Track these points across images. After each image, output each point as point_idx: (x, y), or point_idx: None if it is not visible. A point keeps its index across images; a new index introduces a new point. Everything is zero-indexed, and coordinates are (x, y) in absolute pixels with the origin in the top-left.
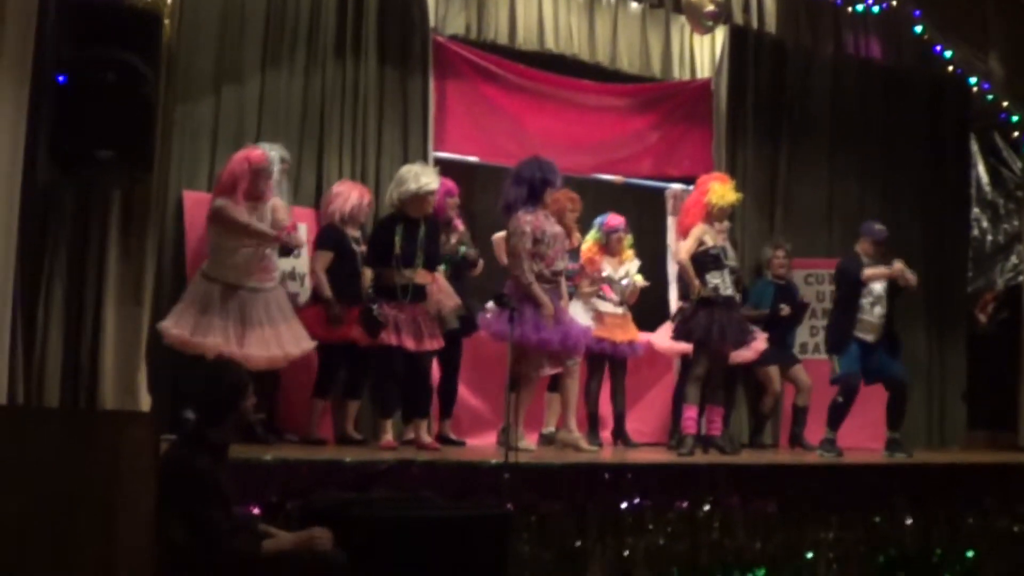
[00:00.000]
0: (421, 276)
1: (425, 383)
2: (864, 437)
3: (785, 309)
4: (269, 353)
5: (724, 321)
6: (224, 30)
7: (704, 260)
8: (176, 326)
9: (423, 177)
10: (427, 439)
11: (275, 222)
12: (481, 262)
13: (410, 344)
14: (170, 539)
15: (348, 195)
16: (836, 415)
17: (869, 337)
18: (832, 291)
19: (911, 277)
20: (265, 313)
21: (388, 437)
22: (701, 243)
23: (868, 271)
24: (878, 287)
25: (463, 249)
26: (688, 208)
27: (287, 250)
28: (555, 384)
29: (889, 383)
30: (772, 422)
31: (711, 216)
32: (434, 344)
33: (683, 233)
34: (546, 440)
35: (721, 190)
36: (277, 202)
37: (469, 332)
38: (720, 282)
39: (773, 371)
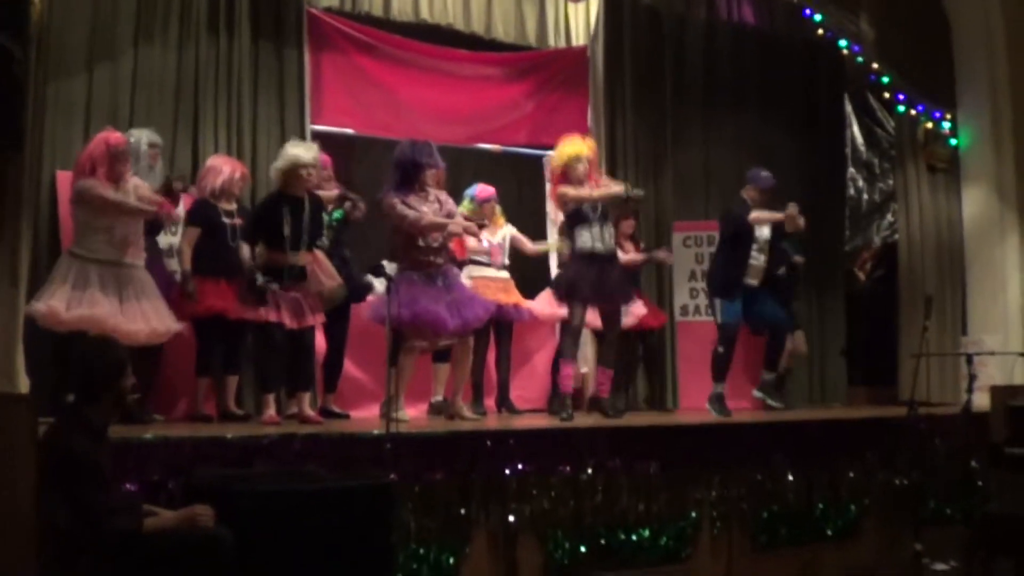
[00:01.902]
0: (303, 258)
1: (308, 356)
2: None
3: (798, 259)
4: (150, 327)
5: (597, 276)
6: (96, 7)
7: (573, 217)
8: (47, 305)
9: (293, 150)
10: (310, 412)
11: (141, 199)
12: (363, 205)
13: (289, 321)
14: (51, 521)
15: (220, 169)
16: (718, 366)
17: (753, 282)
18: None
19: (800, 222)
20: (141, 289)
21: (270, 412)
22: (565, 202)
23: (755, 214)
24: (765, 233)
25: (337, 214)
26: (552, 179)
27: (156, 227)
28: (442, 355)
29: (771, 327)
30: None
31: (568, 177)
32: (315, 320)
33: (555, 202)
34: (435, 409)
35: (559, 150)
36: (137, 181)
37: (357, 300)
38: (589, 236)
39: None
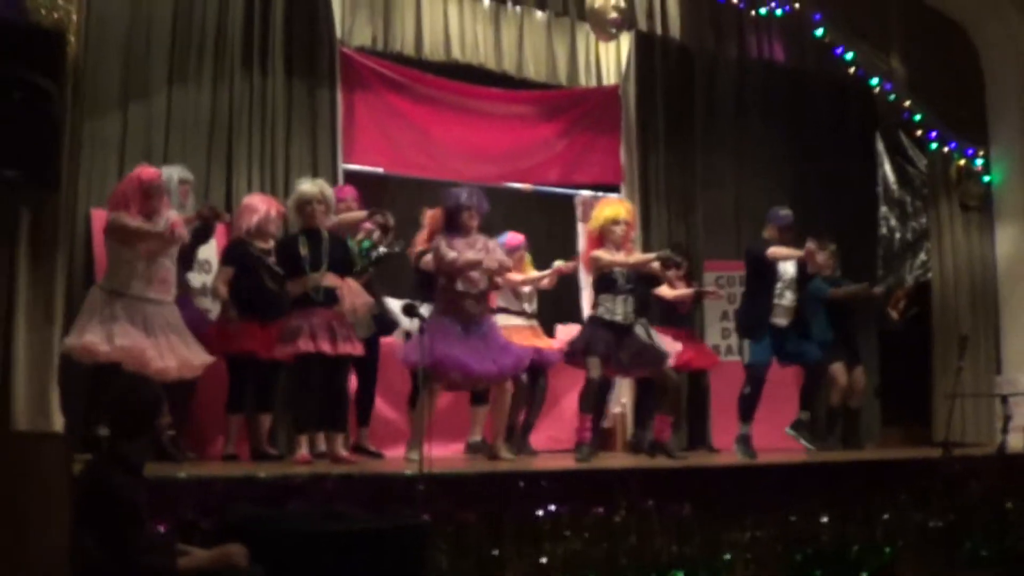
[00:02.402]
0: (330, 279)
1: (341, 395)
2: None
3: (879, 289)
4: (179, 360)
5: (614, 341)
6: (130, 46)
7: (603, 282)
8: (83, 340)
9: (301, 187)
10: (343, 452)
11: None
12: (392, 223)
13: (327, 347)
14: (86, 559)
15: (256, 208)
16: (745, 406)
17: (782, 321)
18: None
19: (821, 260)
20: (169, 324)
21: (303, 451)
22: (598, 267)
23: (773, 249)
24: (790, 271)
25: (365, 244)
26: (587, 239)
27: (187, 261)
28: (479, 397)
29: (805, 366)
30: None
31: (604, 240)
32: (350, 348)
33: (586, 264)
34: (472, 449)
35: (597, 212)
36: (173, 214)
37: (387, 332)
38: (611, 306)
39: (838, 367)
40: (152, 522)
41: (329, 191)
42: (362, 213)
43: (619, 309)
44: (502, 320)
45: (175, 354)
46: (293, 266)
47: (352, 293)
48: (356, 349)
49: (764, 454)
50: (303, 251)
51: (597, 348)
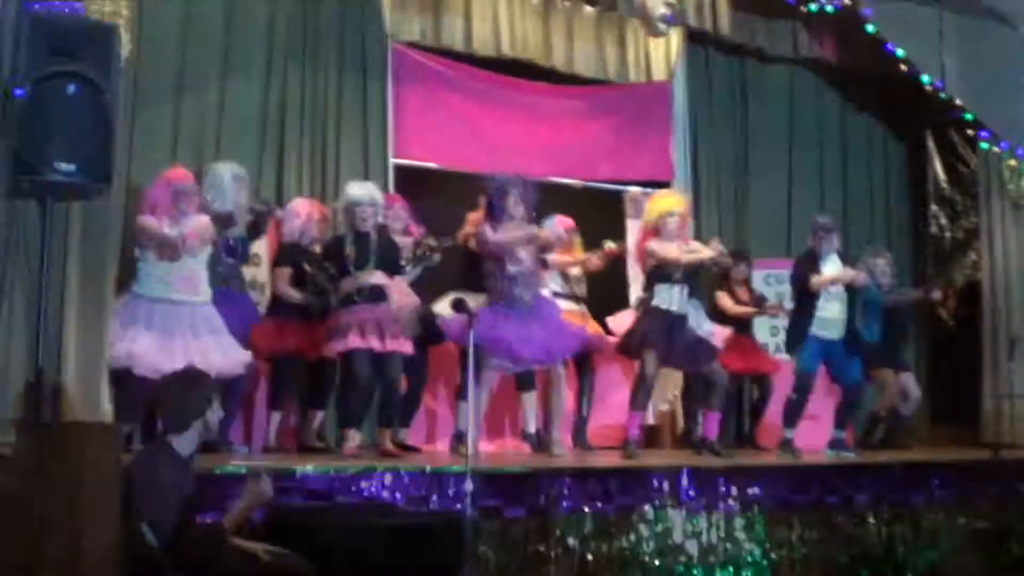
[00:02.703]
0: (377, 277)
1: (392, 390)
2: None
3: (937, 295)
4: (207, 362)
5: (669, 333)
6: (183, 41)
7: (654, 274)
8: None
9: (350, 190)
10: (389, 446)
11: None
12: (437, 256)
13: (376, 343)
14: (135, 549)
15: (298, 214)
16: (790, 412)
17: (831, 334)
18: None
19: (860, 280)
20: (191, 325)
21: (351, 444)
22: (652, 257)
23: (816, 279)
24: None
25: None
26: (641, 231)
27: (243, 254)
28: (526, 384)
29: (844, 387)
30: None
31: (658, 232)
32: (399, 346)
33: (639, 257)
34: (527, 438)
35: (652, 204)
36: (202, 218)
37: (436, 341)
38: (666, 296)
39: (887, 373)
40: (200, 514)
41: (378, 194)
42: (408, 240)
43: (675, 299)
44: None
45: (202, 355)
46: (339, 266)
47: (400, 292)
48: (404, 347)
49: (809, 455)
50: (349, 251)
51: (654, 342)
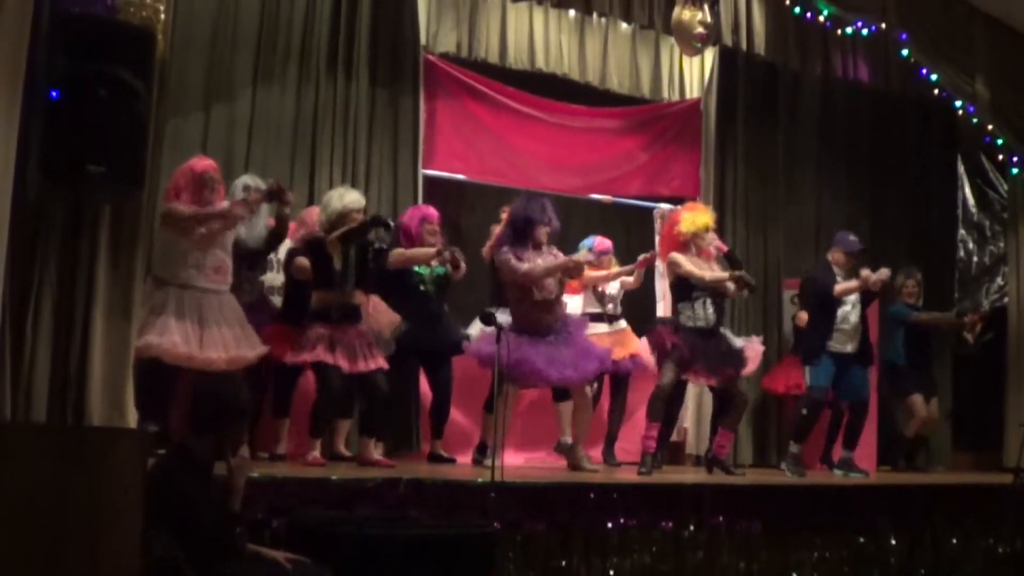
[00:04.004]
0: (356, 297)
1: (375, 402)
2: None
3: (972, 317)
4: (228, 354)
5: (700, 347)
6: (216, 46)
7: (681, 288)
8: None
9: (348, 196)
10: (375, 456)
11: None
12: (463, 266)
13: (344, 364)
14: (156, 557)
15: (311, 223)
16: (800, 428)
17: (847, 347)
18: None
19: (881, 276)
20: (220, 314)
21: (314, 454)
22: (677, 270)
23: (839, 287)
24: (852, 295)
25: (439, 270)
26: (663, 238)
27: (263, 264)
28: (561, 395)
29: (853, 405)
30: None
31: (690, 246)
32: (371, 365)
33: (665, 261)
34: (562, 450)
35: (691, 217)
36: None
37: (456, 353)
38: (691, 313)
39: (918, 399)
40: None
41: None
42: (431, 251)
43: (701, 313)
44: (591, 329)
45: (224, 347)
46: (324, 274)
47: (377, 311)
48: (377, 364)
49: (830, 475)
50: (337, 265)
51: (677, 353)
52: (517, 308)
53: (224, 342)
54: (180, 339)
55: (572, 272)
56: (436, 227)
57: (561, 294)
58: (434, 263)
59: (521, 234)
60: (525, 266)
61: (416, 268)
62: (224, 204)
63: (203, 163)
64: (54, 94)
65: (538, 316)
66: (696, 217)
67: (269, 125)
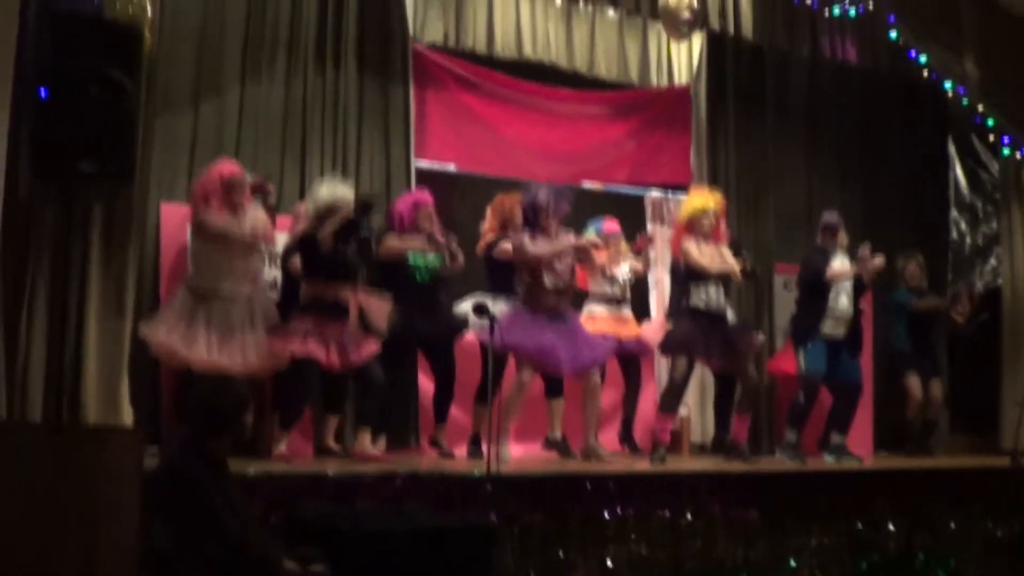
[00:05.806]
0: (344, 291)
1: (370, 392)
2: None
3: (960, 296)
4: (245, 361)
5: (709, 333)
6: (203, 42)
7: (691, 273)
8: (163, 335)
9: (338, 189)
10: (369, 450)
11: (255, 231)
12: (461, 258)
13: (335, 359)
14: (158, 555)
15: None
16: (794, 414)
17: (838, 331)
18: None
19: (876, 262)
20: (249, 319)
21: (282, 447)
22: (686, 259)
23: (832, 270)
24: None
25: (435, 260)
26: (675, 227)
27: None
28: (554, 390)
29: (845, 388)
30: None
31: (693, 229)
32: (363, 354)
33: (674, 250)
34: (551, 445)
35: (688, 200)
36: (258, 213)
37: (455, 336)
38: (703, 295)
39: (913, 381)
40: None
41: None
42: (420, 237)
43: (712, 296)
44: (594, 310)
45: (242, 354)
46: (311, 268)
47: (368, 302)
48: (369, 349)
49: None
50: (327, 259)
51: (692, 346)
52: (527, 290)
53: (243, 349)
54: (202, 350)
55: (582, 256)
56: (431, 211)
57: (573, 283)
58: (429, 252)
59: (531, 221)
60: (537, 247)
61: (411, 259)
62: (259, 214)
63: (229, 167)
64: (43, 92)
65: (547, 300)
66: (693, 199)
67: (259, 118)
